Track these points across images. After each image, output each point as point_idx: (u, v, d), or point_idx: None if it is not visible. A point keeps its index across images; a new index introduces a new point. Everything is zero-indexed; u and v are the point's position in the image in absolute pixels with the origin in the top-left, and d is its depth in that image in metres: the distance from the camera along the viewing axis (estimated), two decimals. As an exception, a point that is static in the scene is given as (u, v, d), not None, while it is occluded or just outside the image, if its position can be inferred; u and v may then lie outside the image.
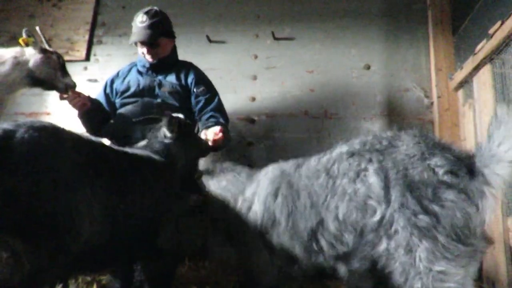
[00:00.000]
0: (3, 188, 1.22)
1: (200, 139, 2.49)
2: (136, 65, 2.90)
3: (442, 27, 3.53)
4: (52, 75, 2.64)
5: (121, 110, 2.73)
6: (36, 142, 1.32)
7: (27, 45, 2.59)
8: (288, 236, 1.74)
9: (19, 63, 2.57)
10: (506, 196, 2.40)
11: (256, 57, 3.85)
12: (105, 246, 1.58)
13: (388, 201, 1.41)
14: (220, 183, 2.17)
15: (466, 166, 1.36)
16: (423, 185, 1.36)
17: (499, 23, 2.44)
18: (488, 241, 1.40)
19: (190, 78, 2.79)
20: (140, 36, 2.65)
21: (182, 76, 2.80)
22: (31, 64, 2.58)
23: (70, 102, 2.61)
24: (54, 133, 1.45)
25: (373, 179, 1.46)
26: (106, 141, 2.65)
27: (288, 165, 1.92)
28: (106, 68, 3.96)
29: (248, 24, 3.94)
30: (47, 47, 2.71)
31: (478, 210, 1.32)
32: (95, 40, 4.15)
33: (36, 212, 1.27)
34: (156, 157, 2.05)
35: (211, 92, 2.80)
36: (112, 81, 2.90)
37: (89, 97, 2.70)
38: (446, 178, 1.34)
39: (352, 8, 3.83)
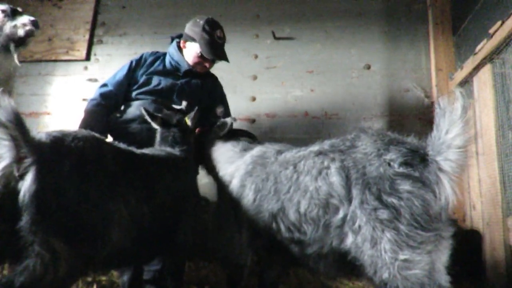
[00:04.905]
0: (53, 190, 1.31)
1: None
2: (163, 59, 2.77)
3: (442, 27, 3.53)
4: (8, 31, 2.48)
5: (129, 110, 2.64)
6: (81, 152, 1.43)
7: None
8: (253, 212, 1.84)
9: None
10: (506, 196, 2.40)
11: (256, 57, 3.86)
12: (129, 248, 1.67)
13: (349, 200, 1.48)
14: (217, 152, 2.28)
15: (419, 156, 1.44)
16: (381, 180, 1.42)
17: (499, 23, 2.44)
18: (454, 224, 1.46)
19: (215, 94, 2.81)
20: (221, 55, 2.67)
21: (208, 86, 2.79)
22: None
23: None
24: (96, 144, 1.55)
25: (335, 178, 1.53)
26: (109, 138, 2.62)
27: (271, 148, 2.03)
28: (106, 68, 3.97)
29: (248, 24, 3.94)
30: None
31: (436, 196, 1.38)
32: (95, 40, 4.16)
33: (78, 216, 1.37)
34: (176, 153, 2.11)
35: (226, 115, 2.76)
36: (137, 65, 2.74)
37: None
38: (402, 169, 1.41)
39: (352, 8, 3.83)
